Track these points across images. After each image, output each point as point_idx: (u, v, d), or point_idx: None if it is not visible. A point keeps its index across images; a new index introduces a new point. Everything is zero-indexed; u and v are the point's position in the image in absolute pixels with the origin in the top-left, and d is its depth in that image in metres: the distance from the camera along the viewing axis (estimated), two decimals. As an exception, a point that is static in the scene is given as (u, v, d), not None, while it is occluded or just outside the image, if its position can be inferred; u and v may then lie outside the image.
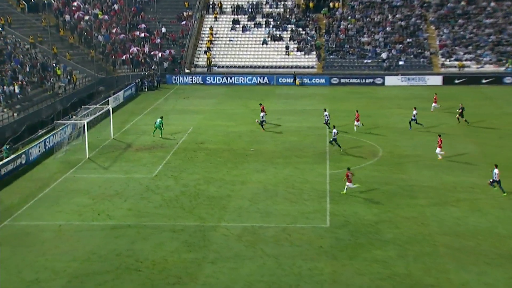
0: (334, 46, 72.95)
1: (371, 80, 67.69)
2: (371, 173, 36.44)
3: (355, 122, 45.03)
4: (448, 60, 69.70)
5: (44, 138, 42.44)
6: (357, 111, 45.89)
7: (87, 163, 39.45)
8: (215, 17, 78.41)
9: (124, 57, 70.43)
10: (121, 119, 51.40)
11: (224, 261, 25.39)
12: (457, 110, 48.82)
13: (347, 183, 32.57)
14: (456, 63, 69.03)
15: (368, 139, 43.87)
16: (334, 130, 40.76)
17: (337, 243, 26.86)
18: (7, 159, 37.16)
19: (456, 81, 66.59)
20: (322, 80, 68.17)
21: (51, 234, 28.19)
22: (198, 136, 45.83)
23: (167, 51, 72.53)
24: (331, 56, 71.83)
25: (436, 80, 66.92)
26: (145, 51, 72.40)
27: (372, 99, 59.82)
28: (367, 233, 27.86)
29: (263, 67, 70.86)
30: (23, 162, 38.40)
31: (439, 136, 39.37)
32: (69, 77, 59.89)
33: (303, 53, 72.38)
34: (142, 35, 74.69)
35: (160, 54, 71.55)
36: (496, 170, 32.39)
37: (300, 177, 35.84)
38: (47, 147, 41.69)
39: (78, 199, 32.60)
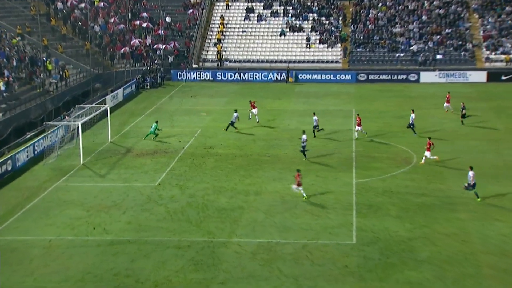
0: (361, 37, 72.81)
1: (404, 77, 67.44)
2: (404, 182, 36.27)
3: (356, 127, 44.79)
4: (493, 53, 69.24)
5: (33, 141, 42.73)
6: (358, 115, 45.60)
7: (81, 170, 39.67)
8: (227, 5, 78.64)
9: (123, 50, 70.83)
10: (119, 121, 51.67)
11: (236, 282, 25.35)
12: (462, 111, 48.68)
13: (294, 185, 33.37)
14: (503, 56, 68.55)
15: (400, 143, 43.67)
16: (304, 136, 40.60)
17: (365, 263, 26.73)
18: (-9, 165, 37.49)
19: (503, 78, 66.13)
20: (348, 77, 68.06)
21: (40, 250, 28.33)
22: (206, 140, 45.93)
23: (172, 44, 72.83)
24: (358, 49, 71.68)
25: (480, 77, 66.51)
26: (147, 44, 72.76)
27: (405, 98, 59.57)
28: (400, 251, 27.70)
29: (281, 61, 70.93)
30: (9, 168, 38.68)
31: (429, 138, 39.52)
32: (61, 73, 60.30)
33: (326, 45, 72.33)
34: (144, 25, 75.11)
35: (164, 47, 71.87)
36: (470, 173, 33.01)
37: (323, 187, 35.77)
38: (36, 152, 41.98)
39: (71, 211, 32.77)
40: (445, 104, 52.33)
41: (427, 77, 67.14)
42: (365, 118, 50.35)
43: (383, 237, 29.07)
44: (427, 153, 38.98)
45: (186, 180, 37.26)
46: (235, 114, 47.76)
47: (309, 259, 27.05)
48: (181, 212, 32.44)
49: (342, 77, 68.14)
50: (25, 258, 27.60)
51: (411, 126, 45.61)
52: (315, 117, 45.74)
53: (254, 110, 49.78)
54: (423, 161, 39.17)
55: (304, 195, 33.59)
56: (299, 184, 33.47)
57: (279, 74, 68.41)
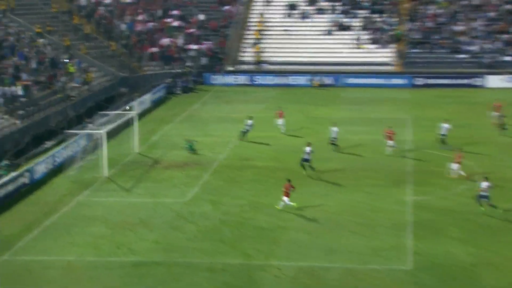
0: (418, 37, 72.27)
1: (467, 81, 66.81)
2: (466, 200, 35.82)
3: (388, 141, 44.30)
4: None
5: (53, 151, 43.45)
6: (390, 128, 45.03)
7: (105, 184, 40.18)
8: (267, 1, 78.92)
9: (152, 51, 71.60)
10: (147, 129, 52.19)
11: (275, 311, 25.41)
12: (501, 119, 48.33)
13: (284, 198, 34.21)
14: None
15: (463, 156, 43.12)
16: (308, 148, 40.31)
17: (422, 291, 26.52)
18: (6, 178, 38.07)
19: None
20: (402, 81, 67.68)
21: (59, 272, 28.70)
22: (243, 151, 46.10)
23: (206, 44, 73.36)
24: (414, 50, 71.19)
25: (555, 81, 65.66)
26: (178, 44, 73.43)
27: (468, 105, 58.99)
28: (461, 279, 27.38)
29: (327, 64, 70.81)
30: (27, 181, 39.34)
31: (459, 150, 39.60)
32: (84, 76, 61.14)
33: (378, 46, 72.02)
34: (175, 23, 75.86)
35: (196, 48, 72.43)
36: (485, 183, 33.47)
37: (373, 205, 35.60)
38: (56, 163, 42.65)
39: (93, 229, 33.19)
40: (493, 113, 51.37)
41: (493, 81, 66.30)
42: (421, 127, 50.05)
43: (442, 263, 28.74)
44: (453, 166, 39.23)
45: (220, 196, 37.43)
46: (249, 122, 48.04)
47: (357, 286, 26.86)
48: (214, 231, 32.58)
49: (396, 81, 67.76)
50: (42, 280, 27.98)
51: (443, 137, 45.15)
52: (334, 128, 45.36)
53: (280, 121, 49.97)
54: (451, 174, 39.26)
55: (280, 206, 34.40)
56: (286, 196, 34.14)
57: (325, 77, 68.34)
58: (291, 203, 34.39)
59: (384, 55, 71.22)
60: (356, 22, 74.90)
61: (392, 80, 67.94)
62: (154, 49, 71.79)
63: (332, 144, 45.28)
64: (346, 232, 32.12)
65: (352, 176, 40.23)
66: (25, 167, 40.68)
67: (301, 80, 68.88)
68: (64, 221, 34.28)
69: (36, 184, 39.84)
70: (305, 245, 30.77)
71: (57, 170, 42.14)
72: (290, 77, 69.19)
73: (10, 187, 37.62)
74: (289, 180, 34.86)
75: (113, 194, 38.28)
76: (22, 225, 33.79)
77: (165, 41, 72.87)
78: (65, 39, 64.53)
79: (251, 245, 30.76)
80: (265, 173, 41.08)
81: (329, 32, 74.14)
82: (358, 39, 72.56)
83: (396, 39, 72.24)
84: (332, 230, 32.31)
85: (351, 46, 72.48)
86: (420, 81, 67.40)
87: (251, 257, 29.63)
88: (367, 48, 72.04)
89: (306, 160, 40.45)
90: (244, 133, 48.51)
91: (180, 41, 73.76)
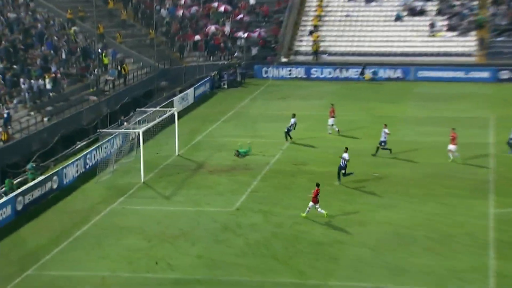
0: (504, 23, 71.21)
1: (561, 75, 65.94)
2: (558, 214, 35.26)
3: (450, 147, 43.50)
4: None
5: (84, 153, 44.03)
6: (453, 130, 44.23)
7: (142, 190, 40.57)
8: (326, -18, 78.87)
9: (195, 39, 72.03)
10: (190, 128, 52.55)
11: (334, 338, 25.35)
12: None
13: (311, 203, 34.96)
14: None
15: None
16: (345, 155, 39.96)
17: (505, 319, 26.18)
18: (32, 183, 38.66)
19: None
20: (485, 74, 66.96)
21: (90, 288, 29.15)
22: (297, 154, 46.07)
23: (257, 32, 73.52)
24: (499, 39, 70.18)
25: None
26: (226, 32, 73.72)
27: (563, 102, 58.10)
28: (553, 306, 26.96)
29: (395, 54, 70.36)
30: (55, 186, 39.95)
31: None
32: (119, 68, 61.76)
33: (456, 33, 71.21)
34: (222, 8, 76.19)
35: (246, 36, 72.62)
36: None
37: (449, 218, 35.23)
38: (87, 166, 43.25)
39: (128, 241, 33.51)
40: None
41: None
42: (506, 128, 49.21)
43: (529, 286, 28.35)
44: None
45: (271, 205, 37.46)
46: (292, 120, 48.01)
47: (430, 312, 26.73)
48: (265, 245, 32.61)
49: (477, 74, 67.10)
50: (71, 298, 28.47)
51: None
52: (385, 130, 44.81)
53: (330, 120, 49.79)
54: None
55: (321, 211, 34.92)
56: (314, 202, 34.69)
57: (393, 70, 68.01)
58: (308, 209, 35.03)
59: (464, 44, 70.46)
60: (430, 6, 74.22)
61: (472, 73, 67.25)
62: (198, 38, 72.21)
63: (383, 148, 44.75)
64: (417, 249, 31.83)
65: (423, 184, 39.85)
66: (53, 171, 41.33)
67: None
68: (96, 232, 34.69)
69: (66, 190, 40.42)
70: (368, 263, 30.59)
71: (89, 174, 42.74)
72: (352, 70, 68.89)
73: (36, 193, 38.25)
74: (318, 185, 35.17)
75: (151, 202, 38.62)
76: (49, 236, 34.30)
77: (211, 28, 73.23)
78: (99, 26, 65.29)
79: (306, 262, 30.71)
80: (321, 179, 40.69)
81: (398, 18, 73.60)
82: (433, 25, 71.90)
83: (478, 25, 71.33)
84: (401, 247, 32.05)
85: (424, 34, 71.88)
86: (505, 74, 66.58)
87: (307, 276, 29.56)
88: (444, 36, 71.32)
89: (342, 168, 40.24)
90: (287, 133, 48.34)
91: (227, 28, 74.07)
